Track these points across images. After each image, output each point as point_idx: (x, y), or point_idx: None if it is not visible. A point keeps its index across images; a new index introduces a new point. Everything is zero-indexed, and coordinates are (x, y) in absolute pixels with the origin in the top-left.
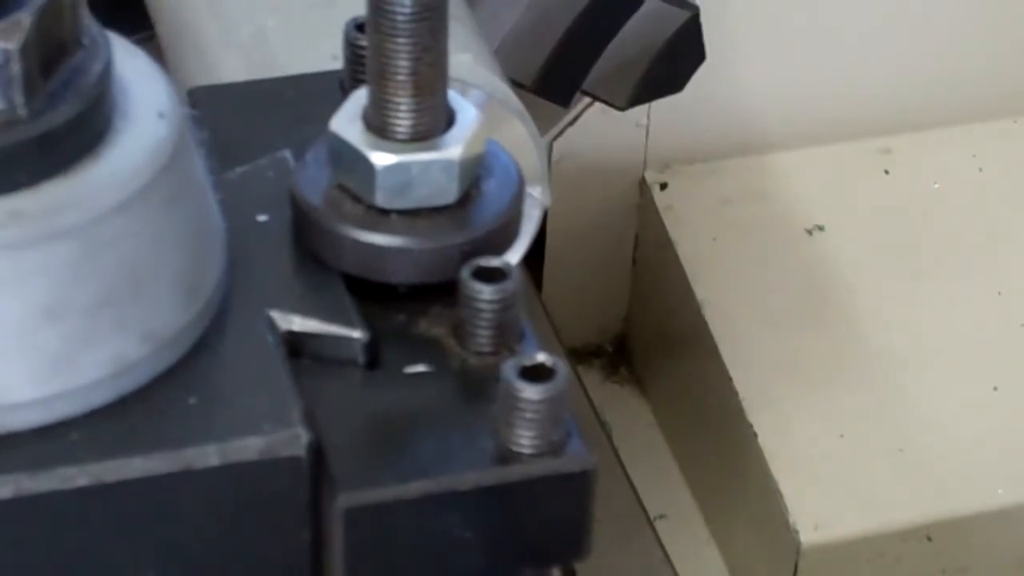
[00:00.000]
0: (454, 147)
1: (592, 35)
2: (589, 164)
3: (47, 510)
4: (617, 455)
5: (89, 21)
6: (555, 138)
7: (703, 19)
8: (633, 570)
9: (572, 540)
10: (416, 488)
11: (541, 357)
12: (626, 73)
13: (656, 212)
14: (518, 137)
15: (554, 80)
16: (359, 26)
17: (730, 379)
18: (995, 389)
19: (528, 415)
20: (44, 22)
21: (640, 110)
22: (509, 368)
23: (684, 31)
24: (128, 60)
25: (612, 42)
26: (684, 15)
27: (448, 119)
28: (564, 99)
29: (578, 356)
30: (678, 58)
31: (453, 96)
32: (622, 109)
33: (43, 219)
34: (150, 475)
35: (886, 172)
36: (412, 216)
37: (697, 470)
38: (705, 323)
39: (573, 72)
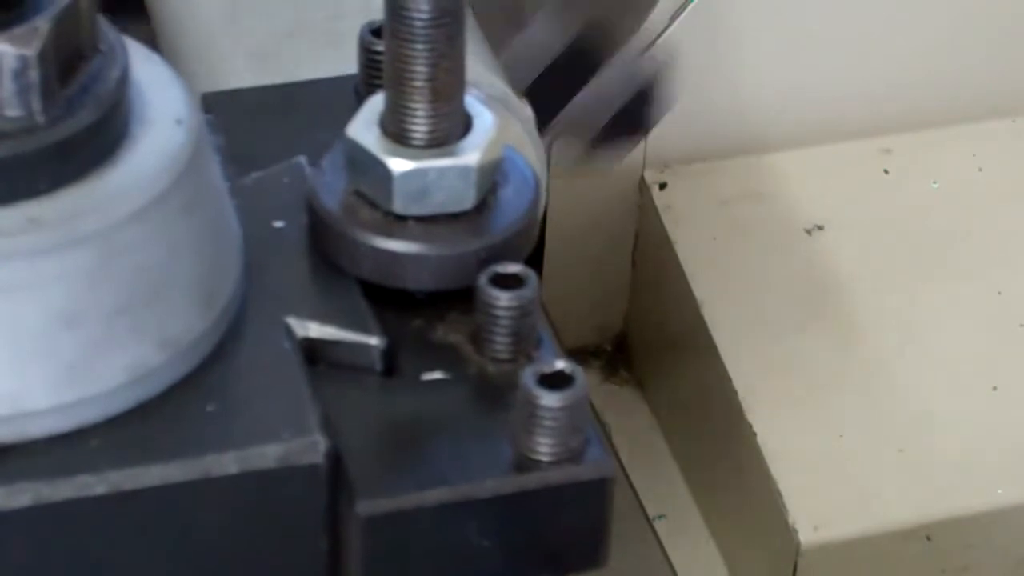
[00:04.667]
0: (472, 153)
1: (563, 84)
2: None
3: (65, 518)
4: (617, 455)
5: (106, 27)
6: (554, 140)
7: (703, 19)
8: (633, 570)
9: (590, 547)
10: (435, 496)
11: (560, 364)
12: (592, 120)
13: (656, 212)
14: (517, 137)
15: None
16: (374, 31)
17: (730, 379)
18: (995, 389)
19: (547, 422)
20: (61, 28)
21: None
22: (528, 375)
23: (653, 81)
24: (145, 66)
25: (582, 91)
26: (657, 66)
27: (465, 125)
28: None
29: (578, 356)
30: (646, 105)
31: (470, 102)
32: (583, 160)
33: (61, 226)
34: (168, 483)
35: (886, 172)
36: (429, 222)
37: (697, 470)
38: (705, 323)
39: (543, 111)
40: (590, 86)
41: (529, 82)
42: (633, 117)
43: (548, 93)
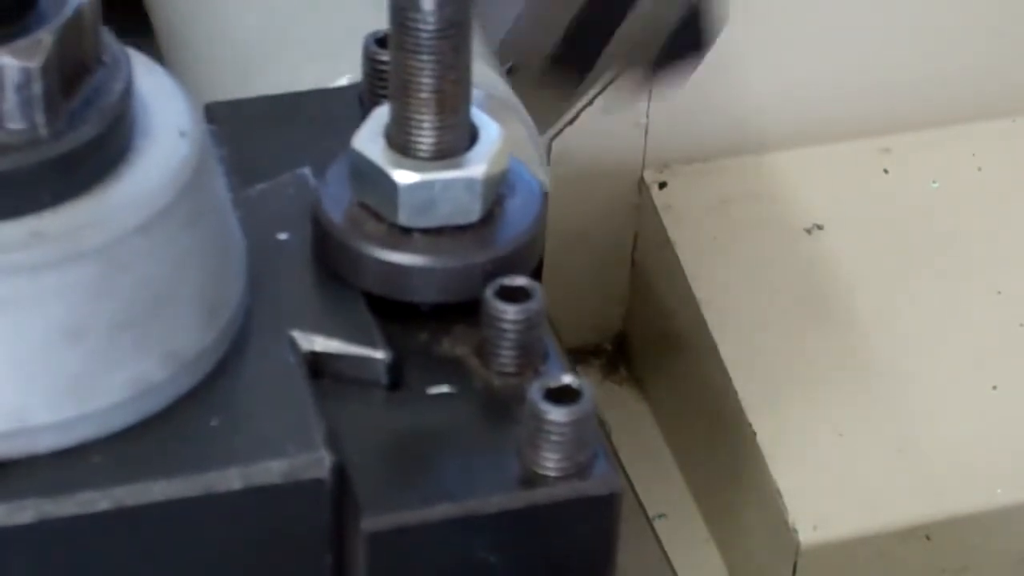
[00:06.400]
0: (478, 165)
1: (604, 16)
2: (588, 163)
3: (68, 535)
4: (617, 455)
5: (109, 39)
6: (554, 137)
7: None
8: (632, 570)
9: (597, 562)
10: (441, 511)
11: (567, 379)
12: (646, 44)
13: (655, 212)
14: (517, 136)
15: (573, 51)
16: (379, 40)
17: (730, 379)
18: (994, 389)
19: (554, 437)
20: (65, 41)
21: (639, 109)
22: (535, 390)
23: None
24: (148, 77)
25: (627, 19)
26: None
27: (471, 136)
28: (585, 67)
29: (577, 356)
30: (699, 21)
31: (476, 113)
32: (644, 83)
33: (64, 240)
34: (172, 499)
35: (885, 171)
36: (435, 235)
37: (696, 470)
38: (704, 323)
39: (592, 43)
40: (634, 12)
41: (564, 27)
42: (689, 35)
43: (587, 35)
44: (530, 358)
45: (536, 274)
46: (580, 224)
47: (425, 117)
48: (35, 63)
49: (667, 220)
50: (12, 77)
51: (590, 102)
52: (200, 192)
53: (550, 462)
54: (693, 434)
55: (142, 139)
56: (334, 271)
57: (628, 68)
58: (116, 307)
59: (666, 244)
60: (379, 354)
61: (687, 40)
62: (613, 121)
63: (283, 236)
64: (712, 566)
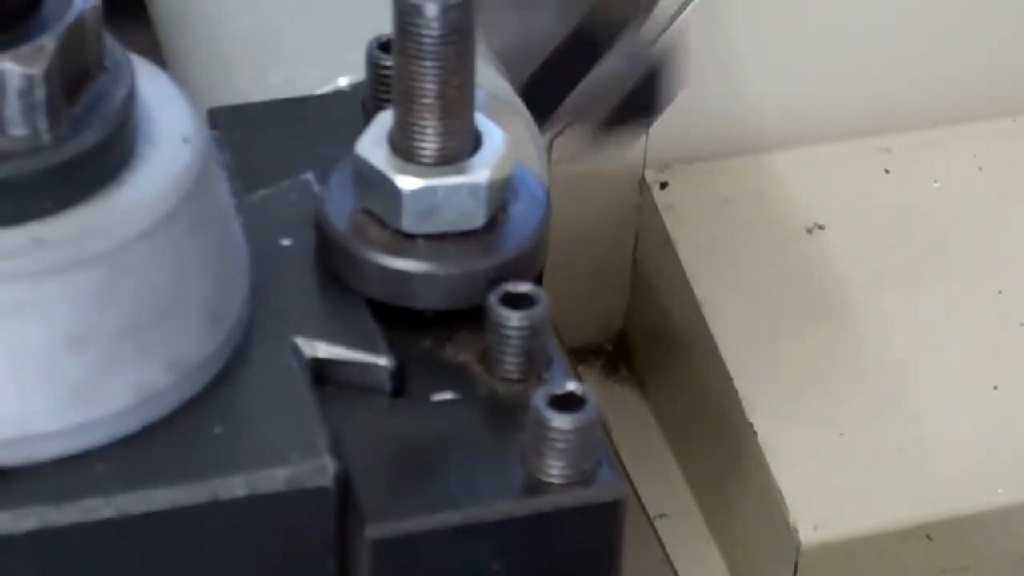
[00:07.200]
0: (481, 171)
1: (565, 73)
2: (589, 163)
3: (71, 542)
4: (617, 454)
5: (112, 45)
6: (555, 137)
7: (703, 18)
8: (633, 569)
9: (601, 569)
10: (444, 519)
11: (571, 386)
12: (600, 106)
13: (656, 211)
14: (518, 137)
15: (530, 103)
16: (382, 45)
17: (730, 378)
18: (995, 389)
19: (558, 445)
20: (67, 47)
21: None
22: (539, 397)
23: (661, 64)
24: (151, 83)
25: (587, 77)
26: (663, 49)
27: (475, 142)
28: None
29: (578, 355)
30: (654, 88)
31: (480, 118)
32: (599, 139)
33: (67, 246)
34: (176, 506)
35: (886, 171)
36: (439, 241)
37: (697, 469)
38: (705, 322)
39: (549, 98)
40: (595, 72)
41: (531, 71)
42: (642, 101)
43: (550, 82)
44: (534, 364)
45: (538, 277)
46: (581, 224)
47: (428, 123)
48: (37, 69)
49: (668, 220)
50: (14, 83)
51: None
52: (203, 198)
53: (554, 469)
54: (693, 434)
55: (145, 145)
56: (337, 277)
57: (579, 123)
58: (119, 314)
59: (667, 244)
60: (382, 361)
61: (641, 103)
62: None
63: (286, 242)
64: (713, 566)
